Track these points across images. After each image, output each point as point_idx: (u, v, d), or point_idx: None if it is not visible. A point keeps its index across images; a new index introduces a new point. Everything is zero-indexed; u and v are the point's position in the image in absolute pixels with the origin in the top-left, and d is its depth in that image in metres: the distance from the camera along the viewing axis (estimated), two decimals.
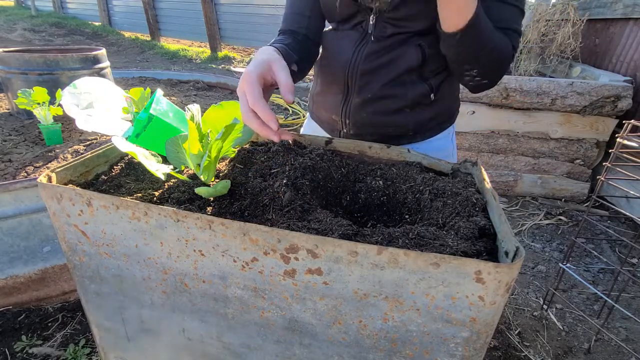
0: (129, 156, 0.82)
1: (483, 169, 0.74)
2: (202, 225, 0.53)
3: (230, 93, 3.01)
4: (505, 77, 2.52)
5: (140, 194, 0.66)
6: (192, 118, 0.62)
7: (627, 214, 1.46)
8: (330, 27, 1.01)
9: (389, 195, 0.78)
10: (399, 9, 0.82)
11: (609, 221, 2.51)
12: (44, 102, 1.68)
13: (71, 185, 0.67)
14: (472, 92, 0.92)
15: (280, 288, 0.54)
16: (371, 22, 0.87)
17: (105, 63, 2.21)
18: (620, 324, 1.68)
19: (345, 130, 1.00)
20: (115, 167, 0.78)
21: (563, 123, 2.57)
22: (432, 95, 0.92)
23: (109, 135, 1.17)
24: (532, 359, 1.50)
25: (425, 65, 0.89)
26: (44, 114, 1.71)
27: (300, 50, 0.90)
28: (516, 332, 1.63)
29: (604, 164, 1.48)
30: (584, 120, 2.55)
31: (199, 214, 0.52)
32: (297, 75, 0.86)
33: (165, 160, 0.73)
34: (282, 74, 0.70)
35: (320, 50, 1.03)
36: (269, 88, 0.75)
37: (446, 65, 0.94)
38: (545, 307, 1.75)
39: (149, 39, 8.59)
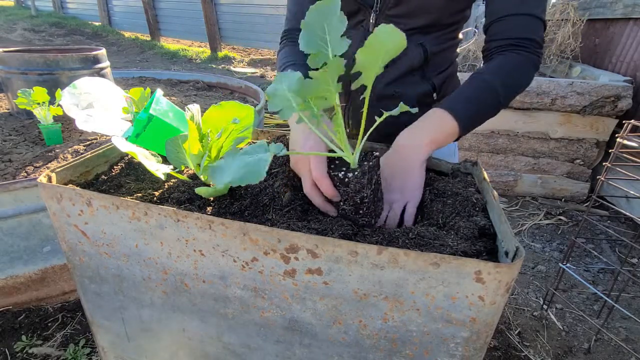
0: (129, 156, 0.82)
1: (483, 169, 0.74)
2: (202, 225, 0.53)
3: (230, 93, 3.00)
4: None
5: (140, 194, 0.66)
6: (192, 118, 0.62)
7: (627, 214, 1.46)
8: None
9: None
10: (399, 6, 0.83)
11: (609, 221, 2.51)
12: (44, 102, 1.68)
13: (71, 185, 0.67)
14: None
15: (280, 288, 0.54)
16: (372, 21, 0.88)
17: (105, 63, 2.21)
18: (620, 324, 1.68)
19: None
20: (115, 167, 0.78)
21: (563, 123, 2.57)
22: (434, 95, 0.92)
23: (109, 135, 1.17)
24: (532, 359, 1.50)
25: (427, 65, 0.89)
26: (44, 114, 1.70)
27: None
28: (516, 332, 1.63)
29: (604, 164, 1.48)
30: (584, 120, 2.55)
31: (199, 214, 0.52)
32: None
33: (165, 160, 0.73)
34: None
35: None
36: None
37: (448, 65, 0.93)
38: (545, 307, 1.75)
39: (149, 39, 8.59)
